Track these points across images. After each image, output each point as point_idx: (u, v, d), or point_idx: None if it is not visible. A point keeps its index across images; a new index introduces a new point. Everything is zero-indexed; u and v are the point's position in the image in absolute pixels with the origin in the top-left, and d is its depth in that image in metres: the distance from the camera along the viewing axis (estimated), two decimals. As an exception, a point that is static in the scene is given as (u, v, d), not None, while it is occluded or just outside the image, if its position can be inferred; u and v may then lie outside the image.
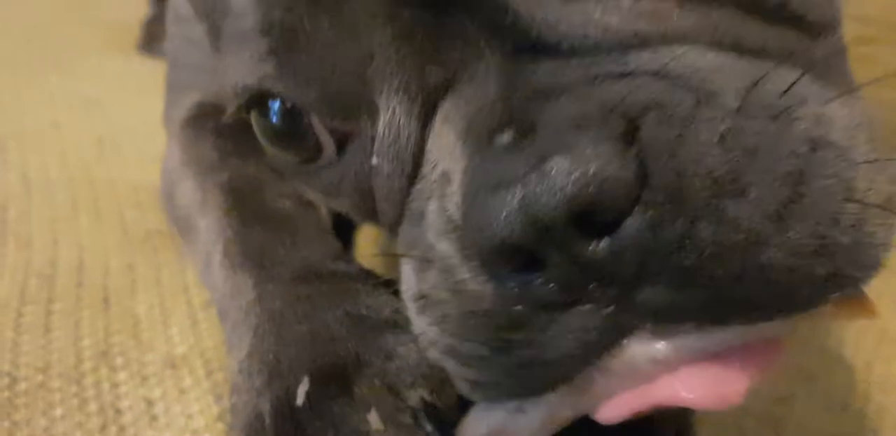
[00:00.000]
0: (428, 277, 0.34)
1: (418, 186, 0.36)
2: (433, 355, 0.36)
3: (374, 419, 0.36)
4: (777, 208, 0.28)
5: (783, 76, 0.31)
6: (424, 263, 0.34)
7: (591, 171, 0.28)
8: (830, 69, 0.35)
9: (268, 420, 0.38)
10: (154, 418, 0.44)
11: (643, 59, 0.32)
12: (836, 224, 0.28)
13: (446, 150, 0.34)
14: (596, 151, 0.28)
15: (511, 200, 0.29)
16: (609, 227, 0.28)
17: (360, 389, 0.37)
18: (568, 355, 0.31)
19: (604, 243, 0.28)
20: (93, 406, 0.44)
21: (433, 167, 0.35)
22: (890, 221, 0.30)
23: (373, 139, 0.37)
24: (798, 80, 0.31)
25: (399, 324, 0.40)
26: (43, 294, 0.54)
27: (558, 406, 0.33)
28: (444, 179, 0.34)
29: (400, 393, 0.37)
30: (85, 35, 1.26)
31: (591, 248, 0.29)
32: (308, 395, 0.37)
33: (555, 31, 0.33)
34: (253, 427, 0.38)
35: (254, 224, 0.51)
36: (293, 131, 0.38)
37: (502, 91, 0.33)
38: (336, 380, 0.37)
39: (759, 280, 0.28)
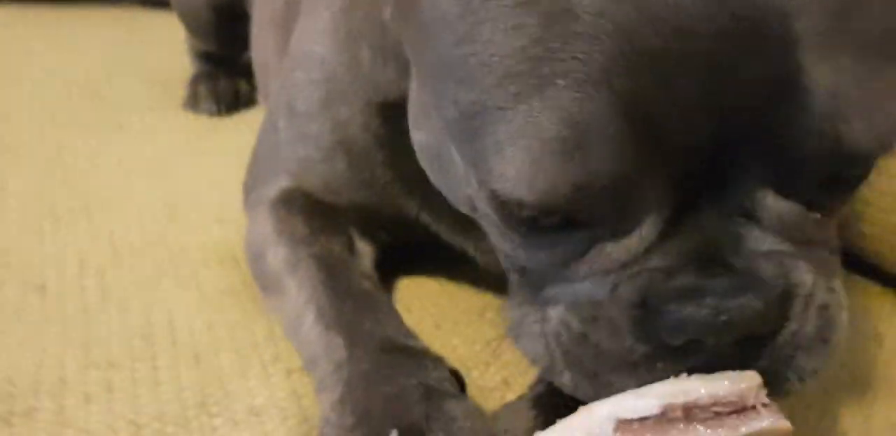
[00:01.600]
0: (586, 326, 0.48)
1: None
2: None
3: None
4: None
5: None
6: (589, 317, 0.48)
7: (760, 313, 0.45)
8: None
9: None
10: (247, 455, 0.58)
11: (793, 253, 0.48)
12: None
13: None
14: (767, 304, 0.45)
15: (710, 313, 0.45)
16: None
17: None
18: None
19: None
20: (200, 446, 0.59)
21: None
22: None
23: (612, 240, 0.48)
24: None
25: (456, 394, 0.56)
26: (147, 353, 0.68)
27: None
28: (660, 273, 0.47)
29: None
30: (137, 91, 1.39)
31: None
32: None
33: (766, 214, 0.47)
34: None
35: (344, 297, 0.66)
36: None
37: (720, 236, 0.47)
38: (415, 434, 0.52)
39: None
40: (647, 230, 0.46)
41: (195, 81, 1.38)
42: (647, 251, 0.47)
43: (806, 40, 0.41)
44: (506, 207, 0.48)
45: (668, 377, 0.46)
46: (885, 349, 0.71)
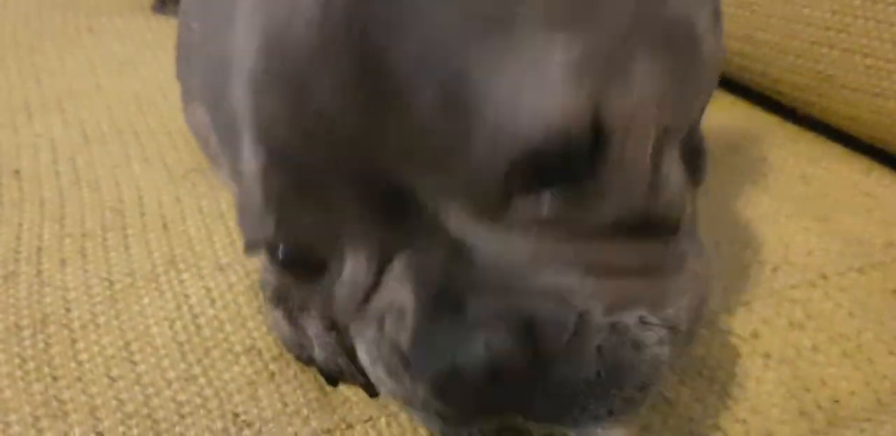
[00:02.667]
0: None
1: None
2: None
3: None
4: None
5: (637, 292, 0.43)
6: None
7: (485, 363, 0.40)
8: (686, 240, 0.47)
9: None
10: (212, 301, 0.63)
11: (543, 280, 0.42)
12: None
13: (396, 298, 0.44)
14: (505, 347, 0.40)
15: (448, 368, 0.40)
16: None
17: None
18: None
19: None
20: (168, 295, 0.64)
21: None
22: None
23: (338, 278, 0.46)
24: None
25: None
26: (118, 223, 0.73)
27: None
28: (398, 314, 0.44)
29: None
30: None
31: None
32: None
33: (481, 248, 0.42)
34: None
35: None
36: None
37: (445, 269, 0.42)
38: None
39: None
40: (355, 264, 0.45)
41: (161, -15, 1.38)
42: (375, 288, 0.45)
43: None
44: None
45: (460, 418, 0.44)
46: (811, 188, 0.75)
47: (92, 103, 0.98)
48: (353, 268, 0.45)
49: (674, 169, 0.46)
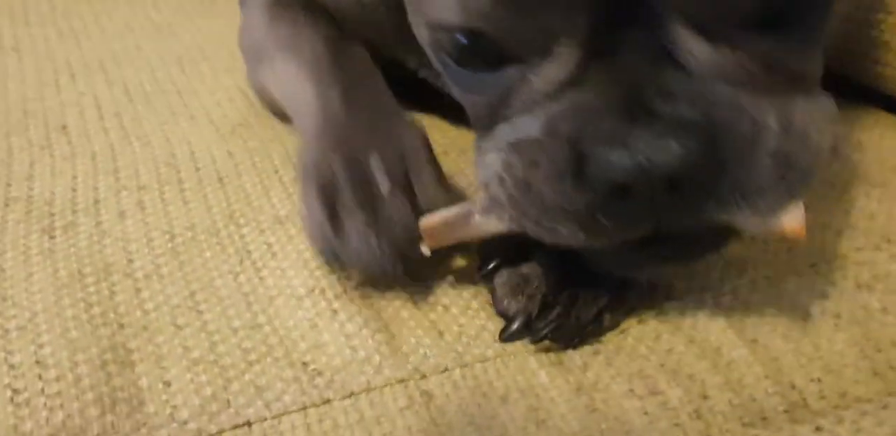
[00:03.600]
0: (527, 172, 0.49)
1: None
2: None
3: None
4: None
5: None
6: (529, 161, 0.49)
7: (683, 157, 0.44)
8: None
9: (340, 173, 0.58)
10: (274, 254, 0.62)
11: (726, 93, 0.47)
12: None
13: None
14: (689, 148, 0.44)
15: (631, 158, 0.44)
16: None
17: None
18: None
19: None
20: (230, 250, 0.63)
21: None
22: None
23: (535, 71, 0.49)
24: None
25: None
26: (174, 177, 0.72)
27: None
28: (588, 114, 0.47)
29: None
30: None
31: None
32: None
33: (691, 57, 0.47)
34: (324, 177, 0.58)
35: (344, 64, 0.70)
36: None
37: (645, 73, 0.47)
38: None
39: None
40: (565, 58, 0.48)
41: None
42: (570, 85, 0.48)
43: None
44: (440, 38, 0.52)
45: (609, 229, 0.47)
46: (867, 155, 0.75)
47: (133, 64, 0.98)
48: (555, 61, 0.48)
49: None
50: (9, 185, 0.71)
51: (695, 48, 0.47)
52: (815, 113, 0.50)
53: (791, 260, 0.62)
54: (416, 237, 0.55)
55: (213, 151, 0.76)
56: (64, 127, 0.81)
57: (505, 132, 0.51)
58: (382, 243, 0.56)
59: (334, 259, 0.57)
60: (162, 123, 0.82)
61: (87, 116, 0.83)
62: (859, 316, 0.58)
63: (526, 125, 0.49)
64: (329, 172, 0.58)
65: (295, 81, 0.69)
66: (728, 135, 0.45)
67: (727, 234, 0.51)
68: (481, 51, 0.50)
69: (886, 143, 0.78)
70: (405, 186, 0.58)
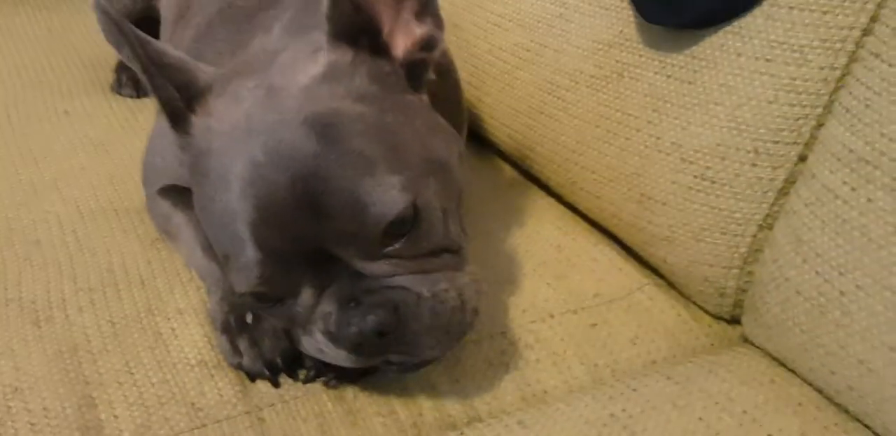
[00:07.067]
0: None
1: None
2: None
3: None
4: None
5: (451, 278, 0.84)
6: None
7: (373, 327, 0.79)
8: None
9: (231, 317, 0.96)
10: (199, 349, 1.03)
11: (398, 282, 0.81)
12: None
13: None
14: (377, 318, 0.79)
15: (357, 331, 0.79)
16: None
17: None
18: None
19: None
20: (149, 332, 1.04)
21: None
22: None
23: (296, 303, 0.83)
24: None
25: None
26: (111, 281, 1.12)
27: None
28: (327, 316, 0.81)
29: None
30: (73, 77, 1.70)
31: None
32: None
33: (369, 272, 0.81)
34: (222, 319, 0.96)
35: None
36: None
37: (350, 292, 0.81)
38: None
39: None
40: (307, 295, 0.82)
41: (118, 68, 1.62)
42: (315, 306, 0.82)
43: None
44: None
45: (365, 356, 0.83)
46: (562, 255, 1.17)
47: (79, 183, 1.33)
48: (304, 298, 0.82)
49: (454, 224, 0.87)
50: (6, 289, 1.10)
51: (374, 269, 0.81)
52: (458, 280, 0.84)
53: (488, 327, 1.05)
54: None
55: (137, 260, 1.15)
56: (38, 241, 1.19)
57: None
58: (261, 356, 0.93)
59: (238, 367, 0.94)
60: (104, 237, 1.20)
61: (53, 232, 1.20)
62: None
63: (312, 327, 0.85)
64: (223, 316, 0.97)
65: (193, 255, 1.10)
66: (401, 305, 0.79)
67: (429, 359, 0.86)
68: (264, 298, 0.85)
69: (576, 245, 1.21)
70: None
